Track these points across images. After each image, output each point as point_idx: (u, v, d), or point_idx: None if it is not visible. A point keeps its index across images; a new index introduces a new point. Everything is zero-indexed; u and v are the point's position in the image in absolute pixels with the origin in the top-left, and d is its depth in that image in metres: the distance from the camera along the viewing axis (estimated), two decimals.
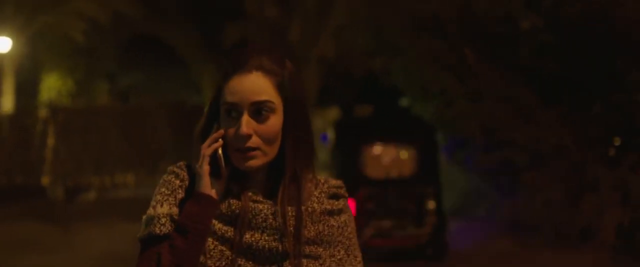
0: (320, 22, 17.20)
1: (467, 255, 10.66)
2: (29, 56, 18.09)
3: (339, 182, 1.86)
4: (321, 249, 1.74)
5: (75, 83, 19.40)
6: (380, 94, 17.70)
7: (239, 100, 1.69)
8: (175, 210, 1.71)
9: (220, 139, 1.71)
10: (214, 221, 1.71)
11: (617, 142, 10.70)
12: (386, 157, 10.80)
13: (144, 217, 1.73)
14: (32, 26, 17.06)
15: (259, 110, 1.69)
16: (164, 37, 19.34)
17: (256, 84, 1.69)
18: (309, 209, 1.74)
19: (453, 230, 11.24)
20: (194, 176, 1.75)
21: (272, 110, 1.70)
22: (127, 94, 22.81)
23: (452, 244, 10.48)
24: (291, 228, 1.71)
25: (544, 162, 11.49)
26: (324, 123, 18.95)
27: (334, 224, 1.78)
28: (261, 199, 1.74)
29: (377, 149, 10.81)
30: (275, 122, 1.71)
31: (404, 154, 10.80)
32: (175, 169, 1.79)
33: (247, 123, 1.68)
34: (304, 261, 1.71)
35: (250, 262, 1.70)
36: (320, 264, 1.74)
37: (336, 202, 1.81)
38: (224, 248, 1.71)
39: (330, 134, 12.30)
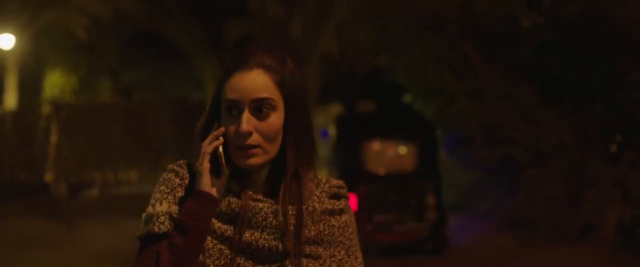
0: (322, 19, 17.22)
1: (468, 251, 10.71)
2: (32, 53, 18.13)
3: (340, 182, 1.84)
4: (321, 249, 1.73)
5: (78, 80, 19.45)
6: (383, 91, 17.74)
7: (240, 97, 1.68)
8: (174, 208, 1.70)
9: (221, 137, 1.70)
10: (213, 219, 1.70)
11: (619, 138, 10.73)
12: (387, 153, 10.88)
13: (143, 215, 1.71)
14: (35, 23, 17.09)
15: (260, 108, 1.68)
16: (166, 33, 19.35)
17: (257, 81, 1.68)
18: (310, 208, 1.73)
19: (454, 226, 11.28)
20: (194, 174, 1.73)
21: (273, 108, 1.69)
22: (130, 90, 22.82)
23: (453, 240, 10.54)
24: (291, 227, 1.69)
25: (544, 160, 11.52)
26: (326, 119, 18.98)
27: (335, 224, 1.76)
28: (261, 198, 1.72)
29: (378, 144, 10.88)
30: (276, 119, 1.69)
31: (405, 149, 10.86)
32: (175, 167, 1.77)
33: (247, 120, 1.67)
34: (304, 260, 1.70)
35: (250, 261, 1.69)
36: (321, 264, 1.72)
37: (337, 202, 1.79)
38: (223, 247, 1.70)
39: (331, 130, 12.34)
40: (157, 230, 1.67)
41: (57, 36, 18.68)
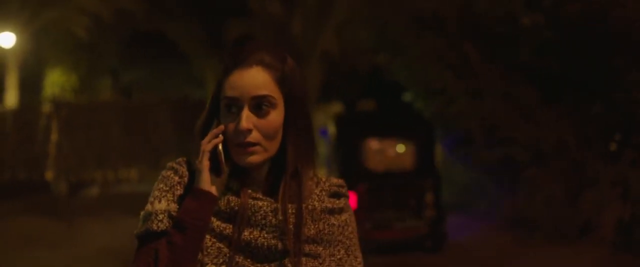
0: (322, 18, 17.23)
1: (468, 250, 10.73)
2: (33, 52, 18.15)
3: (340, 181, 1.83)
4: (321, 248, 1.72)
5: (79, 79, 19.47)
6: (384, 90, 17.75)
7: (239, 94, 1.67)
8: (173, 206, 1.69)
9: (220, 135, 1.69)
10: (212, 218, 1.68)
11: (618, 137, 10.74)
12: (386, 151, 10.99)
13: (142, 213, 1.70)
14: (35, 22, 17.11)
15: (259, 105, 1.67)
16: (166, 33, 19.37)
17: (256, 79, 1.67)
18: (310, 207, 1.72)
19: (454, 226, 11.31)
20: (193, 172, 1.71)
21: (273, 106, 1.68)
22: (130, 89, 22.82)
23: (453, 239, 10.58)
24: (291, 226, 1.68)
25: (544, 159, 11.54)
26: (325, 118, 19.01)
27: (335, 223, 1.75)
28: (261, 196, 1.71)
29: (377, 143, 10.98)
30: (275, 117, 1.69)
31: (404, 148, 10.96)
32: (174, 165, 1.76)
33: (247, 118, 1.66)
34: (304, 259, 1.69)
35: (248, 260, 1.68)
36: (320, 263, 1.71)
37: (337, 201, 1.78)
38: (221, 245, 1.68)
39: (331, 129, 12.41)
40: (155, 228, 1.66)
41: (58, 35, 18.70)
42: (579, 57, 10.69)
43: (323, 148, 12.98)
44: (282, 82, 1.70)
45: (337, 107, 20.07)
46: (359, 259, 1.79)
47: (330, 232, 1.74)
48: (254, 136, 1.67)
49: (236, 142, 1.68)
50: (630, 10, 9.73)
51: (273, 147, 1.71)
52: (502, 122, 11.95)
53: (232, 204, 1.70)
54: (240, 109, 1.67)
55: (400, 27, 13.42)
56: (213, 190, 1.68)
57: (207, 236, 1.68)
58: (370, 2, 14.77)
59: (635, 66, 10.05)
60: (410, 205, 10.27)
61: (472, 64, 11.98)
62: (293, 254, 1.67)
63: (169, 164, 1.78)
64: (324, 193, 1.77)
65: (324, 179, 1.80)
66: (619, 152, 10.51)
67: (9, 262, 9.65)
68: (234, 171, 1.72)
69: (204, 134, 1.72)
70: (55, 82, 19.16)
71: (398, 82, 15.53)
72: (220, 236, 1.69)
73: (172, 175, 1.74)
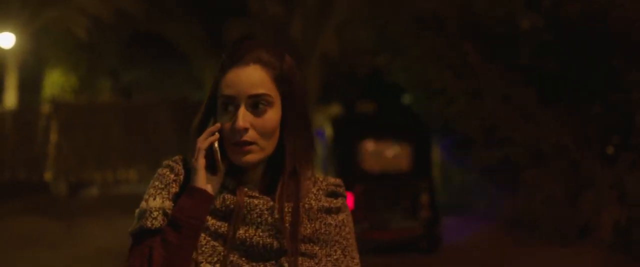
0: (322, 19, 17.24)
1: (467, 250, 10.76)
2: (33, 52, 18.15)
3: (338, 181, 1.79)
4: (317, 248, 1.69)
5: (78, 79, 19.46)
6: (383, 91, 17.78)
7: (236, 93, 1.65)
8: (168, 204, 1.67)
9: (216, 133, 1.66)
10: (207, 216, 1.67)
11: (616, 139, 10.76)
12: (382, 153, 11.14)
13: (137, 210, 1.69)
14: (35, 22, 17.12)
15: (256, 104, 1.65)
16: (166, 33, 19.38)
17: (253, 77, 1.65)
18: (306, 205, 1.69)
19: (453, 226, 11.35)
20: (189, 170, 1.69)
21: (270, 104, 1.66)
22: (130, 90, 22.84)
23: (452, 239, 10.62)
24: (287, 225, 1.66)
25: (543, 160, 11.55)
26: (323, 120, 19.03)
27: (332, 222, 1.72)
28: (257, 195, 1.69)
29: (374, 144, 11.13)
30: (272, 116, 1.66)
31: (399, 149, 11.09)
32: (170, 163, 1.74)
33: (243, 116, 1.64)
34: (300, 259, 1.66)
35: (243, 259, 1.65)
36: (316, 263, 1.68)
37: (334, 201, 1.75)
38: (216, 244, 1.66)
39: (327, 130, 12.54)
40: (149, 225, 1.64)
41: (58, 35, 18.70)
42: (579, 58, 10.71)
43: (319, 150, 13.05)
44: (280, 80, 1.68)
45: (335, 109, 20.10)
46: (356, 260, 1.76)
47: (327, 232, 1.71)
48: (251, 135, 1.65)
49: (232, 141, 1.66)
50: (629, 10, 9.74)
51: (270, 146, 1.68)
52: (502, 122, 11.97)
53: (228, 202, 1.68)
54: (237, 108, 1.65)
55: (400, 27, 13.44)
56: (209, 188, 1.66)
57: (202, 235, 1.66)
58: (370, 2, 14.78)
59: (634, 67, 10.06)
60: (406, 206, 10.40)
61: (471, 64, 12.00)
62: (290, 253, 1.65)
63: (165, 161, 1.77)
64: (321, 192, 1.74)
65: (321, 179, 1.77)
66: (617, 155, 10.53)
67: (8, 262, 9.65)
68: (231, 170, 1.70)
69: (200, 133, 1.70)
70: (55, 82, 19.16)
71: (398, 83, 15.55)
72: (215, 235, 1.67)
73: (167, 173, 1.73)
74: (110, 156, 17.77)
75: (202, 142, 1.67)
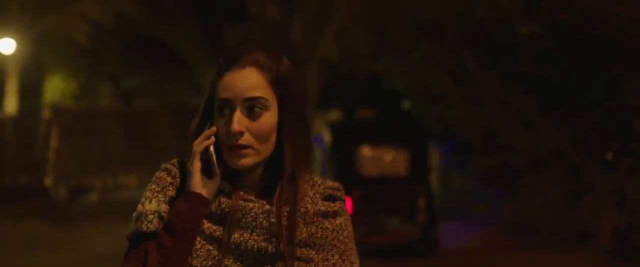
0: (321, 24, 17.27)
1: (467, 255, 10.78)
2: (33, 58, 18.17)
3: (336, 184, 1.76)
4: (313, 252, 1.66)
5: (79, 85, 19.49)
6: (383, 96, 17.80)
7: (232, 96, 1.63)
8: (164, 207, 1.65)
9: (212, 137, 1.65)
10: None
11: (615, 145, 10.79)
12: (380, 158, 11.24)
13: (134, 214, 1.67)
14: (36, 28, 17.13)
15: (252, 107, 1.63)
16: (166, 39, 19.40)
17: (249, 80, 1.63)
18: (302, 209, 1.67)
19: (453, 230, 11.38)
20: (186, 174, 1.68)
21: (266, 108, 1.64)
22: (130, 95, 22.81)
23: (451, 244, 10.67)
24: (283, 229, 1.63)
25: (542, 166, 11.57)
26: (321, 126, 19.05)
27: (328, 226, 1.69)
28: (253, 198, 1.67)
29: (372, 150, 11.23)
30: (268, 119, 1.64)
31: (397, 154, 11.18)
32: (168, 166, 1.73)
33: (238, 120, 1.62)
34: (296, 263, 1.63)
35: (238, 263, 1.63)
36: None
37: (332, 204, 1.72)
38: (211, 247, 1.64)
39: (326, 136, 12.64)
40: (145, 228, 1.63)
41: (58, 41, 18.71)
42: (577, 65, 10.74)
43: (318, 155, 13.11)
44: (276, 83, 1.66)
45: (335, 115, 20.11)
46: (356, 265, 1.72)
47: (324, 236, 1.68)
48: (246, 139, 1.63)
49: (228, 145, 1.64)
50: (625, 18, 9.76)
51: (266, 149, 1.67)
52: (501, 129, 11.99)
53: (223, 206, 1.67)
54: (233, 111, 1.64)
55: (399, 32, 13.47)
56: (204, 192, 1.65)
57: (197, 238, 1.64)
58: (370, 7, 14.81)
59: (633, 74, 10.08)
60: (403, 210, 10.48)
61: (471, 71, 12.03)
62: (287, 258, 1.62)
63: (163, 165, 1.75)
64: (317, 196, 1.71)
65: (319, 182, 1.74)
66: (616, 161, 10.55)
67: None
68: (227, 173, 1.68)
69: (197, 136, 1.69)
70: (56, 88, 19.18)
71: (397, 89, 15.58)
72: (210, 238, 1.65)
73: (164, 176, 1.71)
74: (111, 161, 17.75)
75: (198, 146, 1.66)
